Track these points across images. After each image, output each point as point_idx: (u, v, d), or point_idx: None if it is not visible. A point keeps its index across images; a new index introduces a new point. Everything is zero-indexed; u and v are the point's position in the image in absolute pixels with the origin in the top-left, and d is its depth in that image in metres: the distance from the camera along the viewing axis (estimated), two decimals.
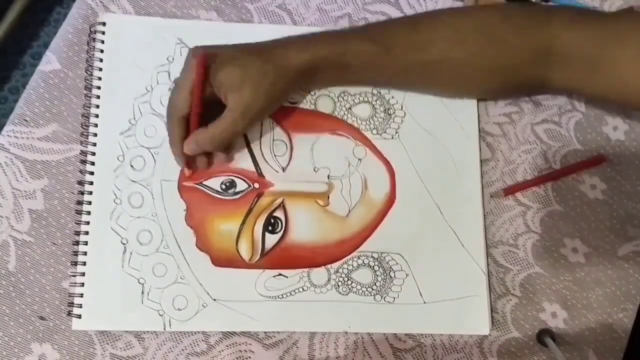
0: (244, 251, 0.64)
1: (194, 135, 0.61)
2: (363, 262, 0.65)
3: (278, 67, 0.60)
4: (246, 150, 0.66)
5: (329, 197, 0.66)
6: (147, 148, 0.65)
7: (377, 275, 0.65)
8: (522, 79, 0.64)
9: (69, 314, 0.61)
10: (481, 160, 0.68)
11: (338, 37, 0.63)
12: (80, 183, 0.64)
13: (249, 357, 0.63)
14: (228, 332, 0.63)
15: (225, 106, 0.60)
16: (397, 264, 0.65)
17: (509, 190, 0.68)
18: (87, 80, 0.66)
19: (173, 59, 0.67)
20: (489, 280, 0.66)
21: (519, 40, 0.61)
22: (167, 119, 0.62)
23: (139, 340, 0.62)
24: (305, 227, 0.65)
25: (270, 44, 0.62)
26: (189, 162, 0.63)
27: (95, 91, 0.66)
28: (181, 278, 0.63)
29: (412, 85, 0.68)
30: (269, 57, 0.60)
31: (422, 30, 0.62)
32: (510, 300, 0.66)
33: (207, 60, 0.58)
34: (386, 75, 0.65)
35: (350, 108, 0.68)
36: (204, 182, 0.64)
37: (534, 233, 0.67)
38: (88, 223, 0.63)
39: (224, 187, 0.64)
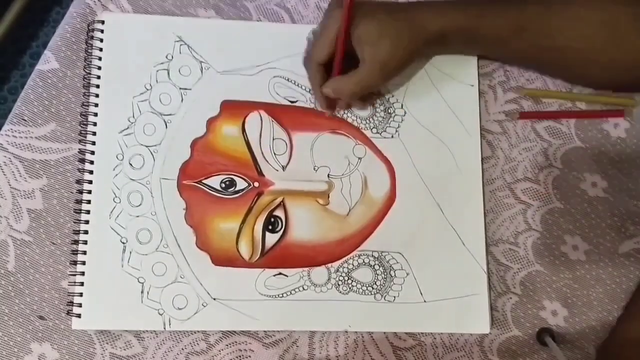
0: (244, 250, 0.63)
1: (332, 82, 0.63)
2: (363, 261, 0.65)
3: (414, 27, 0.62)
4: (246, 149, 0.66)
5: (329, 196, 0.66)
6: (147, 146, 0.65)
7: (378, 274, 0.65)
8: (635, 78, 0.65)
9: (69, 313, 0.61)
10: (482, 158, 0.68)
11: (475, 7, 0.64)
12: (79, 182, 0.64)
13: (249, 356, 0.63)
14: (228, 331, 0.63)
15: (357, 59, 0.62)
16: (397, 262, 0.65)
17: (525, 115, 0.70)
18: (86, 79, 0.66)
19: (172, 57, 0.67)
20: (489, 279, 0.66)
21: None
22: (305, 65, 0.66)
23: (138, 339, 0.62)
24: (305, 226, 0.65)
25: (408, 5, 0.64)
26: (330, 103, 0.66)
27: (93, 90, 0.65)
28: (181, 277, 0.62)
29: (535, 67, 0.70)
30: (406, 16, 0.62)
31: (554, 17, 0.63)
32: (511, 298, 0.66)
33: (352, 10, 0.60)
34: (512, 54, 0.68)
35: (350, 107, 0.68)
36: (203, 181, 0.64)
37: (535, 231, 0.67)
38: (87, 222, 0.63)
39: (223, 185, 0.64)
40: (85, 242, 0.62)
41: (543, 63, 0.68)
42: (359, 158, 0.67)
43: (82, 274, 0.62)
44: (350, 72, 0.63)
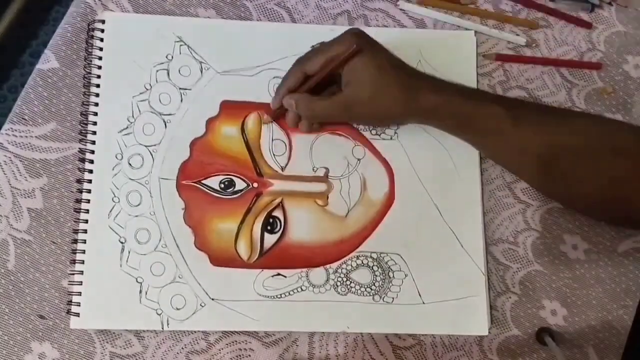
0: (243, 251, 0.64)
1: (299, 95, 0.62)
2: (362, 262, 0.65)
3: (410, 93, 0.61)
4: (245, 149, 0.66)
5: (327, 197, 0.66)
6: (146, 146, 0.65)
7: (376, 276, 0.65)
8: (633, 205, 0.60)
9: (68, 312, 0.61)
10: (480, 158, 0.68)
11: (473, 93, 0.64)
12: (79, 181, 0.64)
13: (249, 356, 0.63)
14: (228, 330, 0.63)
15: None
16: (396, 264, 0.65)
17: (501, 57, 0.71)
18: (86, 78, 0.66)
19: (172, 57, 0.67)
20: (489, 278, 0.66)
21: None
22: (291, 67, 0.64)
23: (138, 338, 0.62)
24: (304, 226, 0.65)
25: (412, 70, 0.64)
26: (281, 110, 0.65)
27: (93, 89, 0.66)
28: (179, 277, 0.63)
29: (522, 170, 0.65)
30: (405, 80, 0.61)
31: (551, 115, 0.62)
32: (510, 297, 0.66)
33: (361, 49, 0.59)
34: (503, 148, 0.63)
35: None
36: (202, 181, 0.64)
37: (534, 230, 0.67)
38: (86, 222, 0.63)
39: (222, 186, 0.64)
40: (84, 242, 0.62)
41: (536, 164, 0.62)
42: (358, 159, 0.67)
43: (81, 273, 0.62)
44: (323, 96, 0.62)
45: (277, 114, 0.65)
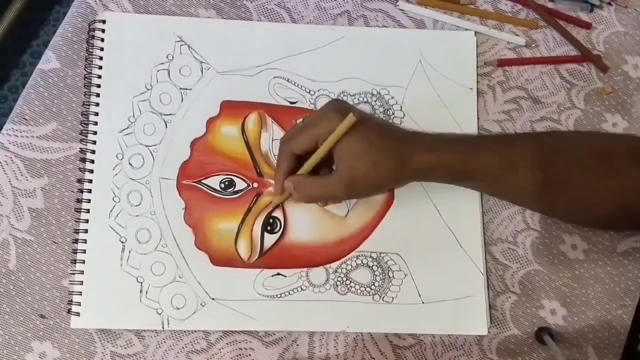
0: (243, 250, 0.64)
1: (299, 180, 0.61)
2: (362, 262, 0.65)
3: (402, 159, 0.60)
4: (245, 149, 0.66)
5: None
6: (146, 146, 0.65)
7: (376, 275, 0.65)
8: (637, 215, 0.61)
9: (69, 312, 0.61)
10: None
11: (464, 143, 0.63)
12: (80, 181, 0.64)
13: (249, 355, 0.63)
14: (228, 330, 0.63)
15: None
16: (395, 264, 0.65)
17: (503, 62, 0.71)
18: (87, 78, 0.66)
19: (172, 57, 0.67)
20: (488, 278, 0.66)
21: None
22: (280, 144, 0.63)
23: (139, 338, 0.62)
24: (304, 226, 0.65)
25: (400, 134, 0.63)
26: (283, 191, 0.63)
27: (94, 89, 0.66)
28: (180, 277, 0.63)
29: (528, 204, 0.66)
30: (395, 147, 0.60)
31: (546, 150, 0.60)
32: (510, 297, 0.66)
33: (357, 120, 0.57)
34: (503, 189, 0.63)
35: None
36: (203, 181, 0.65)
37: (533, 230, 0.67)
38: (87, 221, 0.63)
39: (223, 186, 0.65)
40: (85, 241, 0.63)
41: (538, 199, 0.63)
42: None
43: (82, 272, 0.62)
44: (319, 177, 0.62)
45: (280, 199, 0.64)
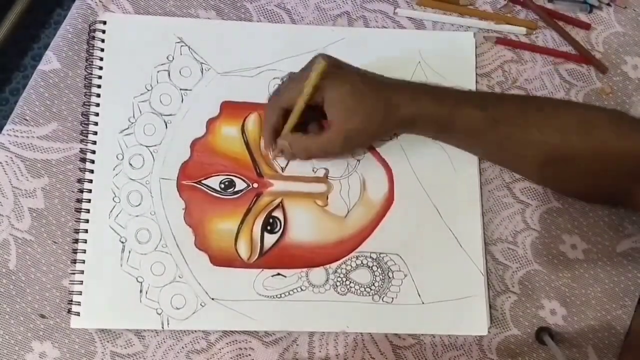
0: (243, 250, 0.64)
1: (294, 138, 0.62)
2: (361, 262, 0.65)
3: (389, 106, 0.61)
4: (245, 149, 0.66)
5: (327, 198, 0.66)
6: (146, 146, 0.65)
7: (376, 276, 0.65)
8: (610, 186, 0.63)
9: (69, 312, 0.61)
10: (479, 159, 0.68)
11: (450, 98, 0.63)
12: (80, 181, 0.64)
13: (249, 355, 0.63)
14: (228, 330, 0.63)
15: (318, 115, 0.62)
16: (395, 264, 0.65)
17: (501, 41, 0.71)
18: (87, 79, 0.66)
19: (173, 58, 0.67)
20: (488, 278, 0.66)
21: (619, 145, 0.60)
22: (268, 105, 0.64)
23: (139, 338, 0.62)
24: (304, 227, 0.65)
25: (385, 82, 0.63)
26: (274, 150, 0.64)
27: (95, 90, 0.66)
28: (179, 277, 0.63)
29: (510, 164, 0.68)
30: (382, 93, 0.61)
31: (531, 113, 0.62)
32: (510, 297, 0.66)
33: (328, 69, 0.58)
34: (486, 146, 0.65)
35: None
36: (203, 181, 0.65)
37: (533, 230, 0.67)
38: (87, 221, 0.63)
39: (222, 186, 0.65)
40: (85, 241, 0.63)
41: (518, 159, 0.65)
42: (358, 160, 0.67)
43: (82, 272, 0.62)
44: (314, 135, 0.62)
45: (275, 154, 0.65)
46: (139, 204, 0.64)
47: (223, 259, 0.63)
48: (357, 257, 0.65)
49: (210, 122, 0.66)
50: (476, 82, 0.70)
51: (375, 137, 0.66)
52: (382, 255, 0.65)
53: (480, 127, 0.62)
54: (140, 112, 0.66)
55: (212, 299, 0.63)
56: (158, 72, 0.67)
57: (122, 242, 0.63)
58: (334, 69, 0.60)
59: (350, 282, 0.64)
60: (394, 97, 0.61)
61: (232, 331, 0.63)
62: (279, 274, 0.64)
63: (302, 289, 0.64)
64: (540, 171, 0.65)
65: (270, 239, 0.64)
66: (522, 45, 0.72)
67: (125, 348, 0.62)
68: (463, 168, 0.68)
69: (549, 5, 0.73)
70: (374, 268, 0.65)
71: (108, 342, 0.62)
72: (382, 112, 0.61)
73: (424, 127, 0.64)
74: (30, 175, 0.64)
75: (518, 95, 0.70)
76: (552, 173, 0.64)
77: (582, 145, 0.60)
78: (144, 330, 0.62)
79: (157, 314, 0.62)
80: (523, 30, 0.72)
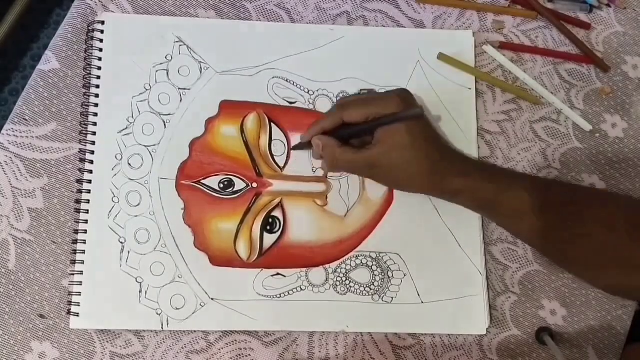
0: (242, 250, 0.64)
1: (327, 139, 0.61)
2: (361, 262, 0.65)
3: (435, 176, 0.60)
4: (244, 149, 0.66)
5: (327, 197, 0.66)
6: (145, 146, 0.65)
7: (375, 275, 0.65)
8: None
9: (69, 312, 0.61)
10: (480, 159, 0.68)
11: (499, 175, 0.63)
12: (79, 182, 0.64)
13: (249, 355, 0.63)
14: (227, 330, 0.63)
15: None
16: (395, 264, 0.65)
17: (505, 45, 0.71)
18: (86, 79, 0.66)
19: (171, 58, 0.67)
20: (488, 278, 0.66)
21: None
22: (333, 107, 0.65)
23: (138, 338, 0.62)
24: (303, 226, 0.65)
25: (443, 149, 0.63)
26: (306, 144, 0.64)
27: (94, 90, 0.66)
28: (179, 277, 0.63)
29: (546, 252, 0.64)
30: (434, 161, 0.60)
31: (578, 201, 0.60)
32: (510, 297, 0.66)
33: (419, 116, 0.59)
34: (526, 231, 0.61)
35: None
36: (202, 181, 0.65)
37: None
38: (86, 222, 0.63)
39: (222, 186, 0.65)
40: (84, 242, 0.63)
41: (559, 251, 0.61)
42: None
43: (81, 273, 0.62)
44: (349, 148, 0.61)
45: (302, 145, 0.65)
46: (138, 204, 0.64)
47: (222, 259, 0.63)
48: (356, 257, 0.65)
49: (209, 122, 0.66)
50: (476, 81, 0.70)
51: (401, 186, 0.64)
52: (381, 255, 0.65)
53: (524, 213, 0.59)
54: (139, 111, 0.66)
55: (212, 299, 0.63)
56: (157, 71, 0.67)
57: (122, 243, 0.63)
58: (413, 103, 0.60)
59: (350, 281, 0.64)
60: (445, 167, 0.60)
61: (231, 331, 0.63)
62: (278, 274, 0.64)
63: (301, 289, 0.64)
64: (585, 268, 0.61)
65: (269, 239, 0.64)
66: (527, 49, 0.71)
67: (125, 348, 0.62)
68: None
69: (549, 5, 0.73)
70: (374, 268, 0.65)
71: (107, 342, 0.62)
72: (426, 174, 0.60)
73: (467, 202, 0.62)
74: (29, 175, 0.64)
75: (566, 183, 0.68)
76: (598, 268, 0.59)
77: (625, 244, 0.57)
78: (144, 331, 0.62)
79: (157, 314, 0.62)
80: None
